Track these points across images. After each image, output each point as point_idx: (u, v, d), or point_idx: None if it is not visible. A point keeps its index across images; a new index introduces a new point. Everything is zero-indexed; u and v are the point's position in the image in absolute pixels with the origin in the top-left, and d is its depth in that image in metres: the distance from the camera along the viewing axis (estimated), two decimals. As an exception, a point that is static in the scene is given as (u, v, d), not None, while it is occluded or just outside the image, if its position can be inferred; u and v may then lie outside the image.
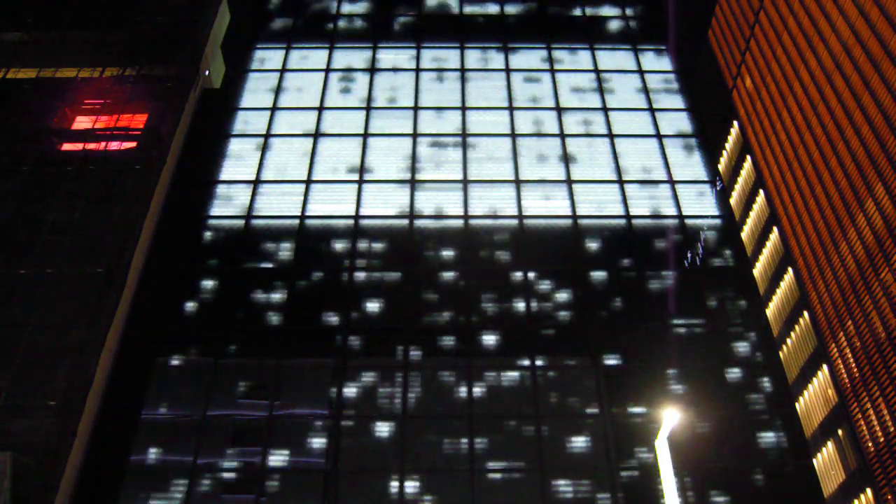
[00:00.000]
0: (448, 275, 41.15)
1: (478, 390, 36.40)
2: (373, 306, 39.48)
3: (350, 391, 36.45)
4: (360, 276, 41.01)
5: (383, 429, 35.37)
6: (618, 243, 43.16)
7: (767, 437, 35.77)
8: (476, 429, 35.49)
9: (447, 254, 42.27)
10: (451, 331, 38.72)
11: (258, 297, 40.39)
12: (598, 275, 41.15)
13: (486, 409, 36.02)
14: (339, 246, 42.11)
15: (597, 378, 37.13)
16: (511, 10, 58.88)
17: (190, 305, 40.05)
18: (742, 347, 38.80)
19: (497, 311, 39.53)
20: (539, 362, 37.48)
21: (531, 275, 41.02)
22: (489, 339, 38.39)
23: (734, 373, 37.76)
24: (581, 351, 38.17)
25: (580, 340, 38.59)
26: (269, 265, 41.95)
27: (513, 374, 37.10)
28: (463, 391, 36.38)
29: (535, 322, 39.19)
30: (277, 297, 40.41)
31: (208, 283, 41.05)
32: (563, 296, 40.27)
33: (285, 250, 42.62)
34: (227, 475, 34.36)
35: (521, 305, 39.78)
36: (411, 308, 39.89)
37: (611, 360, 37.68)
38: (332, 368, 37.58)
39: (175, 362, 37.96)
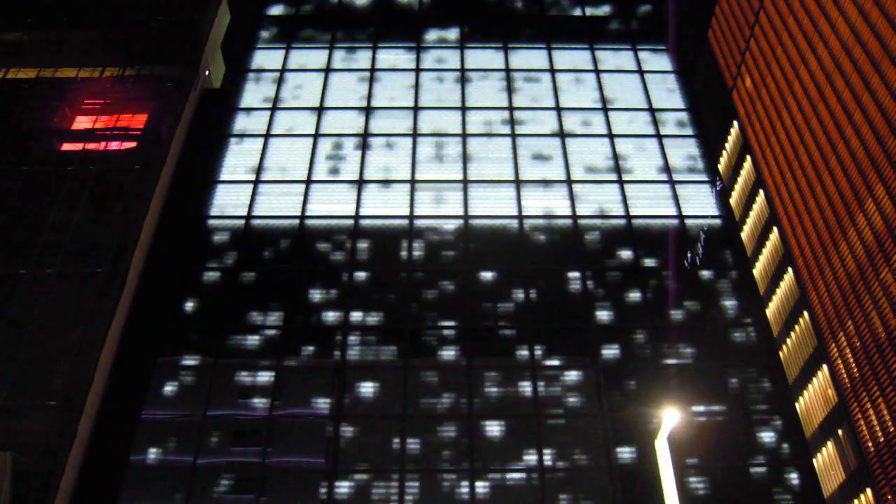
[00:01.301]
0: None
1: (481, 490, 34.65)
2: (365, 388, 37.65)
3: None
4: (354, 353, 38.78)
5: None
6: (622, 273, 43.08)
7: (767, 437, 35.76)
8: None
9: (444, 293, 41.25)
10: (450, 418, 36.62)
11: (258, 297, 40.37)
12: (611, 353, 38.73)
13: None
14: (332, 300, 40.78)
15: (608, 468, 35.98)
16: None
17: (190, 305, 40.01)
18: (742, 348, 38.78)
19: (500, 395, 37.26)
20: (547, 458, 35.44)
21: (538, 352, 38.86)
22: (493, 430, 36.35)
23: (734, 373, 37.73)
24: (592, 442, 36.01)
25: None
26: (268, 264, 41.93)
27: (519, 474, 35.05)
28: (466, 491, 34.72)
29: (542, 408, 36.79)
30: (277, 296, 40.42)
31: (208, 283, 41.03)
32: (571, 376, 37.93)
33: (284, 250, 42.62)
34: (226, 475, 34.35)
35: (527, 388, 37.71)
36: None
37: (625, 455, 35.58)
38: (333, 369, 37.67)
39: (175, 362, 37.94)
